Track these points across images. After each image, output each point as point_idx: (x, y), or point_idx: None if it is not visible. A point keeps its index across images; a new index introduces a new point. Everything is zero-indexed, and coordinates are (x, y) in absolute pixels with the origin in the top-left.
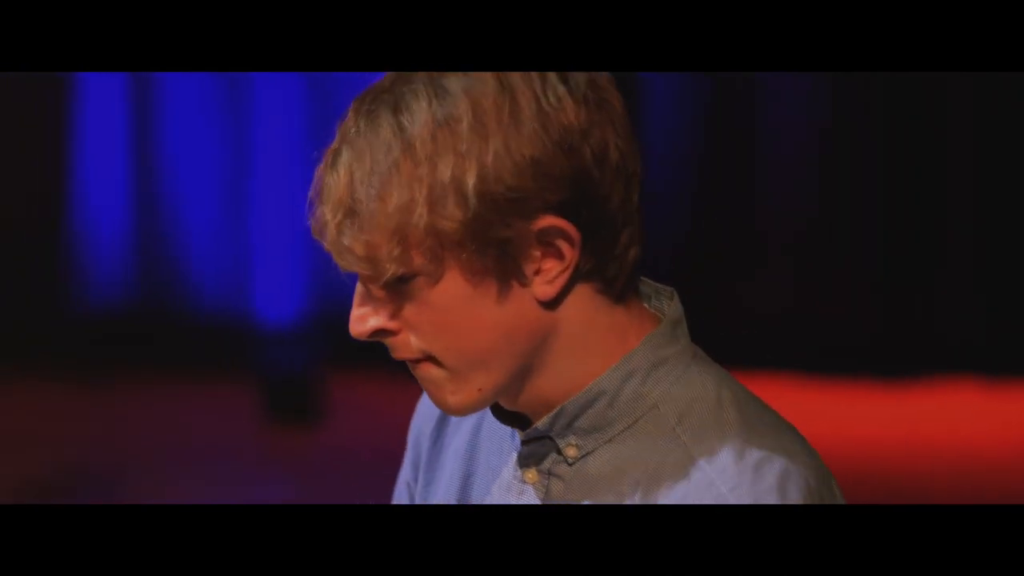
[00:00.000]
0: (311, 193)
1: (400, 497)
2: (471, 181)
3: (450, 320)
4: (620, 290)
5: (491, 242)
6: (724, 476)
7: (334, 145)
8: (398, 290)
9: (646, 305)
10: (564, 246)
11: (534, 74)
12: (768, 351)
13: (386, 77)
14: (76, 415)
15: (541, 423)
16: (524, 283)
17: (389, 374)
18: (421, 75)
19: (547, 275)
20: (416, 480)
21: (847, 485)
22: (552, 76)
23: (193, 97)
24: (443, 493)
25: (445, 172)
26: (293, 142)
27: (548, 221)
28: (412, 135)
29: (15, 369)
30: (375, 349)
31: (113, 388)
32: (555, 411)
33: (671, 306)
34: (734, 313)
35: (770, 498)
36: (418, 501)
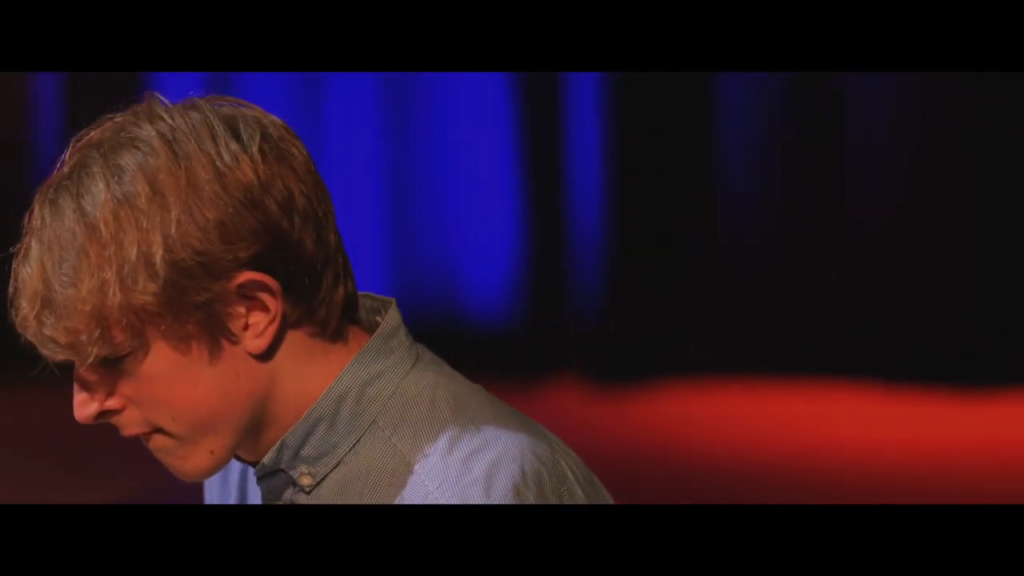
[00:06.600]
0: (10, 289)
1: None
2: (158, 253)
3: (168, 390)
4: (335, 329)
5: (191, 307)
6: (432, 474)
7: (24, 240)
8: (112, 369)
9: (374, 320)
10: (267, 298)
11: (206, 136)
12: (845, 357)
13: (65, 163)
14: None
15: (267, 458)
16: (234, 341)
17: None
18: (97, 157)
19: (255, 329)
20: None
21: (923, 492)
22: (223, 135)
23: (268, 96)
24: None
25: (131, 249)
26: (366, 140)
27: (245, 276)
28: (95, 218)
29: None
30: None
31: None
32: (277, 444)
33: (385, 320)
34: (812, 322)
35: (476, 490)
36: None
